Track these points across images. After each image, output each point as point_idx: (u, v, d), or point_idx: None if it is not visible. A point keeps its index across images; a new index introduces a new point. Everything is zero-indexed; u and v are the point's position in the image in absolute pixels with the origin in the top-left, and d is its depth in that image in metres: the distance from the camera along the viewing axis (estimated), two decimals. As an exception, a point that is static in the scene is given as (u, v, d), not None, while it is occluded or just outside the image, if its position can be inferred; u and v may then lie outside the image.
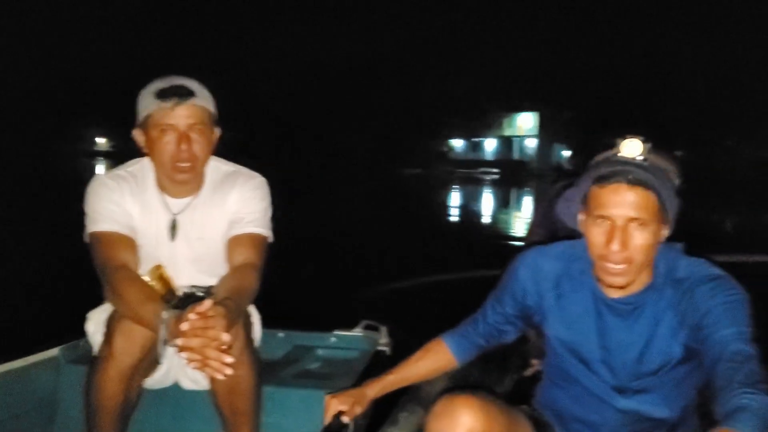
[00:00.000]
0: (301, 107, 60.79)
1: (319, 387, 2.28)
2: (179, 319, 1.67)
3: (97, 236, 2.04)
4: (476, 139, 65.43)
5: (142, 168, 2.16)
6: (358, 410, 1.77)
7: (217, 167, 2.19)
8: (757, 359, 1.37)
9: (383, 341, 2.64)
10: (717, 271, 1.55)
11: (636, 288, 1.55)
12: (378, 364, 2.43)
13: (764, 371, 1.34)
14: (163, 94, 1.98)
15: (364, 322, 2.80)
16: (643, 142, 1.46)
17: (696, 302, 1.49)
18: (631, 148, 1.45)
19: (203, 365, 1.64)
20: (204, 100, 2.05)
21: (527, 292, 1.70)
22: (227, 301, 1.78)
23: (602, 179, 1.45)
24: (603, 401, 1.62)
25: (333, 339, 2.76)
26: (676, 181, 1.50)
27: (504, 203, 24.70)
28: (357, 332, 2.76)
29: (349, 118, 59.73)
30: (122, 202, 2.08)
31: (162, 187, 2.13)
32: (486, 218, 18.27)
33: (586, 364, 1.62)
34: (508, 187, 35.03)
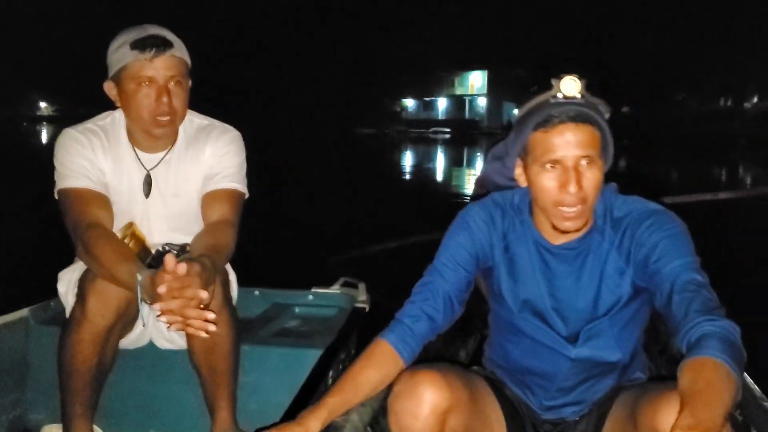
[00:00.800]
0: (247, 65, 59.32)
1: (298, 345, 2.27)
2: (155, 279, 1.62)
3: (67, 193, 1.95)
4: (428, 99, 65.37)
5: (113, 122, 2.06)
6: None
7: (190, 120, 2.09)
8: (709, 286, 1.38)
9: (361, 298, 2.63)
10: (654, 205, 1.54)
11: (578, 232, 1.52)
12: (357, 321, 2.43)
13: (716, 297, 1.36)
14: (140, 45, 1.88)
15: (342, 279, 2.77)
16: (579, 78, 1.41)
17: (639, 239, 1.48)
18: (570, 86, 1.40)
19: (184, 326, 1.61)
20: (181, 50, 1.96)
21: (483, 245, 1.62)
22: (203, 259, 1.73)
23: (545, 123, 1.40)
24: (555, 352, 1.58)
25: (310, 297, 2.71)
26: (607, 115, 1.46)
27: (457, 163, 24.86)
28: (335, 289, 2.73)
29: (298, 76, 58.72)
30: (93, 158, 1.99)
31: (135, 142, 2.05)
32: (441, 178, 18.39)
33: (538, 315, 1.59)
34: (460, 147, 35.21)
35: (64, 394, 1.92)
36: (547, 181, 1.44)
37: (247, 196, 2.12)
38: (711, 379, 1.16)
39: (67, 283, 2.05)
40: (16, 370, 2.25)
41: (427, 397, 1.39)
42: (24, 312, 2.29)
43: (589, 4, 53.50)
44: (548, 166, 1.42)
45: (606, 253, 1.53)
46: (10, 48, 63.11)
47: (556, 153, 1.40)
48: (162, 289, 1.56)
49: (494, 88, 60.09)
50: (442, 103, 65.15)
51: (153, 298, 1.66)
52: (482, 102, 61.89)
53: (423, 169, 21.29)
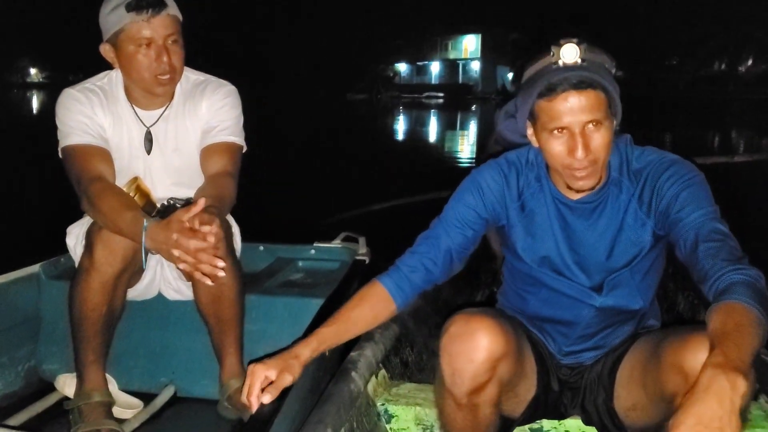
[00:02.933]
0: (235, 30, 58.45)
1: (302, 295, 2.35)
2: (158, 226, 1.69)
3: (70, 150, 2.00)
4: (421, 63, 64.86)
5: (110, 81, 2.11)
6: (289, 380, 1.48)
7: (186, 77, 2.13)
8: (732, 235, 1.40)
9: (362, 251, 2.71)
10: (671, 155, 1.55)
11: (594, 186, 1.53)
12: (358, 272, 2.50)
13: (739, 246, 1.38)
14: (136, 6, 1.90)
15: (343, 234, 2.86)
16: (578, 43, 1.42)
17: (659, 189, 1.50)
18: (570, 52, 1.42)
19: (194, 268, 1.67)
20: (174, 8, 2.00)
21: (494, 205, 1.63)
22: (209, 209, 1.78)
23: (548, 91, 1.41)
24: (578, 301, 1.61)
25: (312, 251, 2.81)
26: (613, 71, 1.48)
27: (450, 127, 24.81)
28: (336, 244, 2.82)
29: (288, 41, 58.03)
30: (93, 115, 2.04)
31: (133, 100, 2.09)
32: (435, 142, 18.39)
33: (557, 270, 1.61)
34: (454, 111, 35.10)
35: (76, 343, 1.98)
36: (556, 147, 1.45)
37: (245, 149, 2.17)
38: (741, 321, 1.18)
39: (76, 236, 2.11)
40: (30, 324, 2.32)
41: (484, 343, 1.43)
42: (35, 268, 2.36)
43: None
44: (555, 132, 1.44)
45: (625, 205, 1.55)
46: (-2, 12, 62.29)
47: (561, 120, 1.42)
48: (176, 236, 1.65)
49: (488, 52, 59.68)
50: (435, 68, 64.68)
51: (157, 246, 1.72)
52: (476, 66, 61.52)
53: (416, 133, 21.25)
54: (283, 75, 53.81)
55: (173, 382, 2.29)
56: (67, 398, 2.13)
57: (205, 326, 2.10)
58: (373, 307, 1.61)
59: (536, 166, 1.62)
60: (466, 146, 16.41)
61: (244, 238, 2.30)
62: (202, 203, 1.70)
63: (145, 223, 1.74)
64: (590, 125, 1.41)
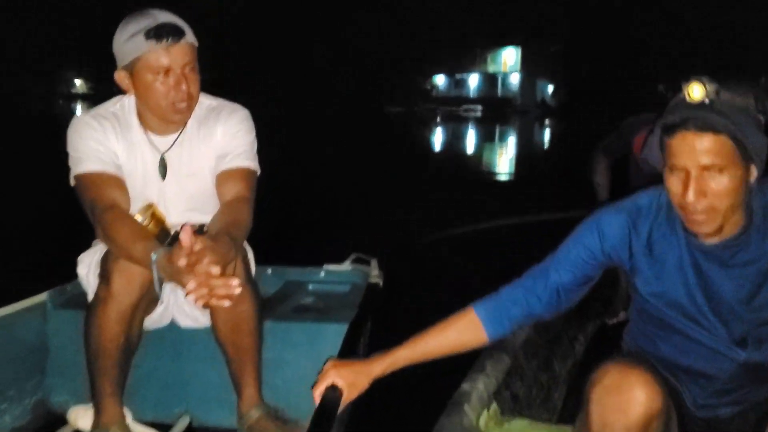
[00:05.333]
0: (275, 43, 59.21)
1: (319, 320, 2.30)
2: (171, 257, 1.64)
3: (83, 177, 1.97)
4: (459, 76, 64.81)
5: (123, 107, 2.08)
6: (354, 393, 1.54)
7: (200, 102, 2.10)
8: None
9: (374, 273, 2.65)
10: None
11: (732, 231, 1.45)
12: (373, 297, 2.44)
13: None
14: (155, 35, 1.87)
15: (354, 255, 2.81)
16: (707, 83, 1.35)
17: None
18: (696, 91, 1.36)
19: (210, 297, 1.62)
20: (192, 36, 1.97)
21: (616, 251, 1.57)
22: (223, 236, 1.76)
23: (669, 129, 1.38)
24: (720, 354, 1.52)
25: (323, 274, 2.76)
26: (760, 116, 1.38)
27: (489, 140, 24.69)
28: (347, 266, 2.76)
29: (327, 54, 58.53)
30: (106, 141, 2.01)
31: (147, 126, 2.06)
32: (473, 155, 18.29)
33: (691, 318, 1.53)
34: (492, 124, 34.95)
35: (93, 375, 1.94)
36: (673, 184, 1.41)
37: (259, 173, 2.13)
38: None
39: (88, 265, 2.07)
40: (37, 355, 2.28)
41: (641, 398, 1.38)
42: (42, 296, 2.32)
43: (626, -22, 52.25)
44: (674, 169, 1.40)
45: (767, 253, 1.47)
46: (46, 24, 64.15)
47: (678, 159, 1.37)
48: (182, 262, 1.59)
49: (528, 65, 59.37)
50: (473, 81, 64.52)
51: (170, 275, 1.68)
52: (515, 79, 61.20)
53: (452, 146, 21.17)
54: (320, 88, 54.20)
55: (188, 412, 2.25)
56: (78, 431, 2.08)
57: (223, 355, 2.06)
58: (461, 334, 1.59)
59: (668, 208, 1.53)
60: (504, 161, 16.28)
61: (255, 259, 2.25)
62: (188, 237, 1.62)
63: (154, 255, 1.70)
64: (710, 170, 1.35)
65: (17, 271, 4.12)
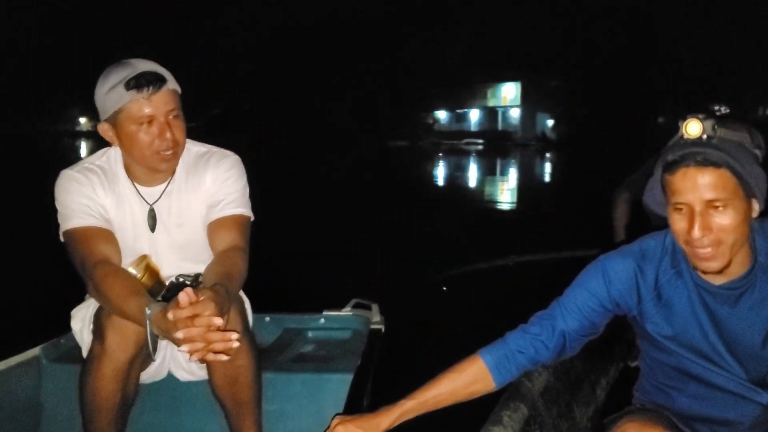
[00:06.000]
0: (276, 78, 59.68)
1: (319, 371, 2.24)
2: (165, 312, 1.59)
3: (72, 233, 1.93)
4: (461, 111, 65.31)
5: (109, 160, 2.04)
6: None
7: (188, 149, 2.07)
8: None
9: (376, 319, 2.60)
10: None
11: (738, 271, 1.46)
12: (376, 344, 2.39)
13: None
14: (135, 85, 1.85)
15: (354, 301, 2.75)
16: (704, 120, 1.38)
17: None
18: (693, 128, 1.38)
19: (206, 352, 1.58)
20: (173, 82, 1.94)
21: (622, 297, 1.56)
22: (217, 287, 1.71)
23: (670, 166, 1.39)
24: (741, 397, 1.51)
25: (322, 320, 2.70)
26: (757, 151, 1.41)
27: (491, 173, 24.80)
28: (347, 311, 2.70)
29: (329, 89, 59.00)
30: (94, 195, 1.97)
31: (134, 177, 2.02)
32: (477, 187, 18.33)
33: (708, 359, 1.52)
34: (493, 157, 35.11)
35: None
36: (677, 223, 1.42)
37: (252, 219, 2.09)
38: None
39: (81, 320, 2.04)
40: (31, 410, 2.22)
41: None
42: (36, 351, 2.27)
43: (625, 13, 52.82)
44: (677, 207, 1.41)
45: None
46: (50, 63, 64.86)
47: (682, 196, 1.39)
48: (175, 315, 1.55)
49: (528, 99, 59.82)
50: (474, 115, 64.99)
51: (164, 331, 1.63)
52: (515, 113, 61.61)
53: (455, 179, 21.24)
54: (323, 124, 54.55)
55: None
56: None
57: (221, 409, 2.00)
58: (468, 384, 1.58)
59: (674, 251, 1.54)
60: (505, 192, 16.30)
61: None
62: (187, 298, 1.58)
63: (148, 311, 1.65)
64: (713, 206, 1.37)
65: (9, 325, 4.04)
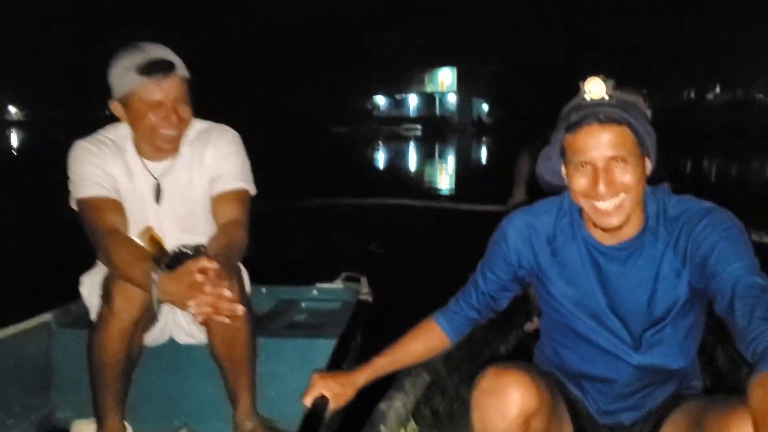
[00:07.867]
0: (221, 66, 58.44)
1: (310, 336, 2.41)
2: (169, 278, 1.77)
3: (83, 202, 2.05)
4: (399, 96, 65.34)
5: (118, 133, 2.16)
6: (340, 402, 1.69)
7: (191, 126, 2.17)
8: None
9: (364, 290, 2.77)
10: (708, 204, 1.50)
11: (629, 233, 1.51)
12: (363, 313, 2.56)
13: None
14: (147, 70, 1.96)
15: (344, 274, 2.92)
16: (605, 80, 1.42)
17: (695, 239, 1.45)
18: (595, 87, 1.42)
19: (215, 314, 1.75)
20: (182, 69, 2.07)
21: (521, 253, 1.63)
22: (219, 258, 1.86)
23: (574, 125, 1.41)
24: (617, 358, 1.57)
25: (315, 292, 2.87)
26: (648, 112, 1.46)
27: (430, 158, 25.06)
28: (338, 284, 2.88)
29: (274, 75, 58.08)
30: (105, 166, 2.09)
31: (141, 152, 2.15)
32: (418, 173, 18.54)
33: (595, 318, 1.57)
34: (431, 143, 35.38)
35: (95, 389, 2.04)
36: (580, 181, 1.44)
37: (253, 192, 2.22)
38: None
39: (90, 285, 2.17)
40: (42, 372, 2.35)
41: (516, 398, 1.40)
42: (46, 316, 2.39)
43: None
44: (580, 166, 1.44)
45: (661, 254, 1.51)
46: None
47: (585, 154, 1.41)
48: (200, 278, 1.73)
49: (464, 85, 60.36)
50: (412, 101, 65.19)
51: (169, 296, 1.79)
52: (452, 99, 62.10)
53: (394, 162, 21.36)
54: (265, 109, 53.68)
55: (186, 425, 2.34)
56: None
57: (219, 369, 2.15)
58: (428, 341, 1.76)
59: (570, 211, 1.60)
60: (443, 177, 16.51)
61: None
62: (205, 263, 1.77)
63: (154, 276, 1.80)
64: (615, 161, 1.41)
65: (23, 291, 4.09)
